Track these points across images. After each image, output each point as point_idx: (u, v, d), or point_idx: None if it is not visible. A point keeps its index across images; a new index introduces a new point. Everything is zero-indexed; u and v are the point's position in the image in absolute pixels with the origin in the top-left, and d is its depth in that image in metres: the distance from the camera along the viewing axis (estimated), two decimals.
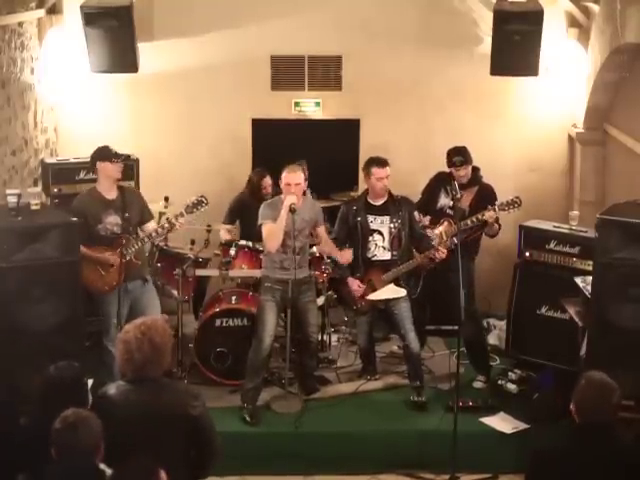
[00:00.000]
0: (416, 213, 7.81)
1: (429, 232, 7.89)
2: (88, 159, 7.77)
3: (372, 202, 7.69)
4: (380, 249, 7.65)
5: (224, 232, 8.77)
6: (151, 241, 7.71)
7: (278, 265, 7.41)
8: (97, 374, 6.35)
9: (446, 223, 8.01)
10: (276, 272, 7.43)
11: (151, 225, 7.63)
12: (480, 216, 7.67)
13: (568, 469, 4.42)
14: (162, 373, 4.72)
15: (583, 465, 4.39)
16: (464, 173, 7.91)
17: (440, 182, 8.14)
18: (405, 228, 7.63)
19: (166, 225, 7.44)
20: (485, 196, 7.97)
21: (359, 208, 7.67)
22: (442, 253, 7.45)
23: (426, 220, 8.08)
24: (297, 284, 7.37)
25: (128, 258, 7.32)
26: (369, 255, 7.65)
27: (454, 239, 7.42)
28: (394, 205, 7.65)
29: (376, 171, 7.55)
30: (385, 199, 7.67)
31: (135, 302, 7.53)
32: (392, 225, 7.60)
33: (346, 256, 7.63)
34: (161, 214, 8.16)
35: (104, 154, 7.43)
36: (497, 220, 7.82)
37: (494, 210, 7.67)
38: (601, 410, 4.44)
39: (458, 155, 7.93)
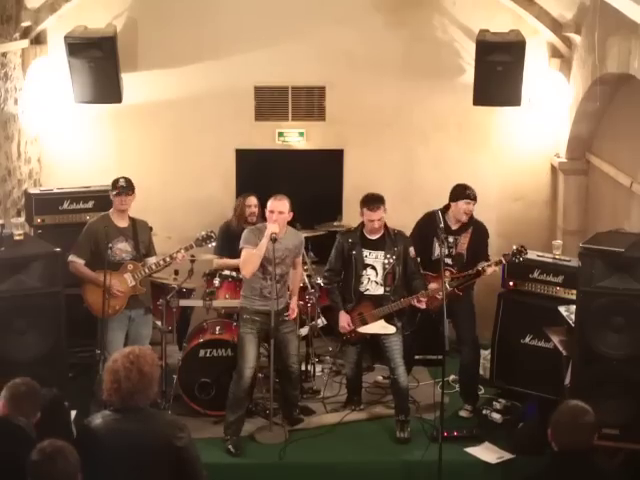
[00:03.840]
0: (411, 249, 7.62)
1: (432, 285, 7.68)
2: (72, 190, 7.77)
3: (368, 236, 7.60)
4: (373, 284, 7.57)
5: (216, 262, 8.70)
6: (156, 271, 7.76)
7: (257, 293, 7.36)
8: (80, 406, 6.33)
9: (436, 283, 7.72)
10: (255, 302, 7.38)
11: (153, 259, 7.73)
12: (481, 269, 7.64)
13: None
14: (149, 403, 4.69)
15: None
16: (473, 208, 7.88)
17: (430, 228, 7.75)
18: (400, 264, 7.54)
19: (168, 259, 7.61)
20: (480, 236, 7.98)
21: (354, 241, 7.58)
22: (422, 304, 7.43)
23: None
24: (277, 314, 7.30)
25: (133, 284, 7.51)
26: (362, 289, 7.59)
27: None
28: (390, 240, 7.56)
29: (367, 213, 7.49)
30: (381, 233, 7.59)
31: (131, 331, 7.63)
32: (386, 261, 7.51)
33: (293, 306, 7.62)
34: None
35: (112, 185, 7.60)
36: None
37: (495, 263, 7.71)
38: (575, 434, 4.40)
39: (469, 189, 7.87)
